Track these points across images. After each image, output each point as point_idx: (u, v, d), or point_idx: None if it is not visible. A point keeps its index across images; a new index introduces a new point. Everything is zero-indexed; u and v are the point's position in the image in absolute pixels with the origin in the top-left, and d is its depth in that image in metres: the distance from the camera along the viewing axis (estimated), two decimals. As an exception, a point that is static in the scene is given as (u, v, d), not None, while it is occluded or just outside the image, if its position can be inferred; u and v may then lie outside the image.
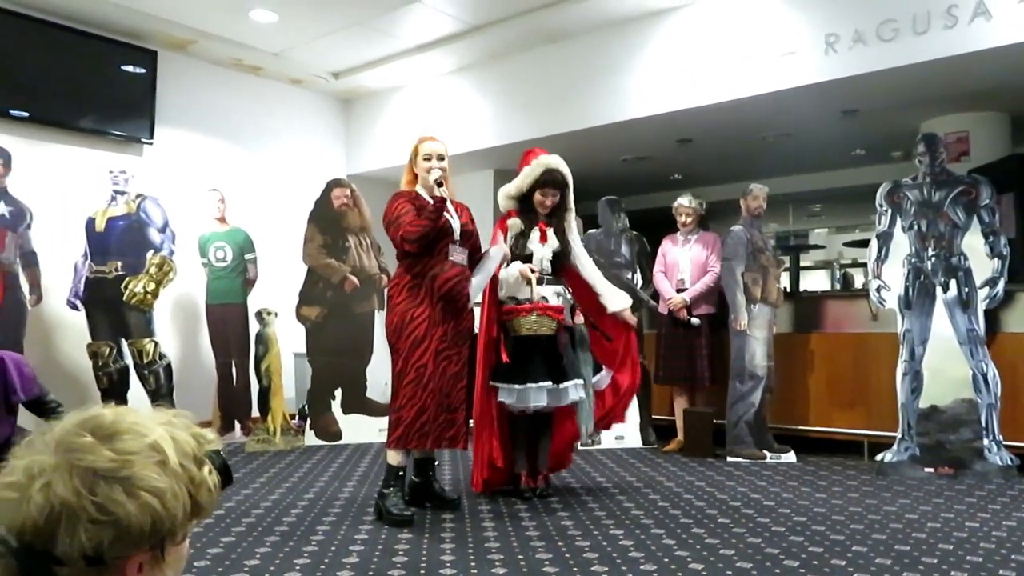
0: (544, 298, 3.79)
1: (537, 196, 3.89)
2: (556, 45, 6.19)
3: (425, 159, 3.56)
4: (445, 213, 3.47)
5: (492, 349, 3.84)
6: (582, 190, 4.97)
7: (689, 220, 5.35)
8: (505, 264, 3.83)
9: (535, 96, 6.32)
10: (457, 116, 6.80)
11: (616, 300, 4.00)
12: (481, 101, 6.70)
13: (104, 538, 0.81)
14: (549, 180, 3.87)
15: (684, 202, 5.37)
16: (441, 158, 3.57)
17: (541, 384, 3.68)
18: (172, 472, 0.86)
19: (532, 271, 3.77)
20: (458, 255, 3.57)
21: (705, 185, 7.97)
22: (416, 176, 3.63)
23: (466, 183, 6.55)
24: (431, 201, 3.50)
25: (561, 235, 3.91)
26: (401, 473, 3.49)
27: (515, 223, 3.92)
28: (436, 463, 3.79)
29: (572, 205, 4.01)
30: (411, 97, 7.21)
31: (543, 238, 3.86)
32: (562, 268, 3.97)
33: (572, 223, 4.01)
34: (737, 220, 5.19)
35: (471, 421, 3.96)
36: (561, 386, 3.72)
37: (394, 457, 3.48)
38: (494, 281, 3.88)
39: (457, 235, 3.58)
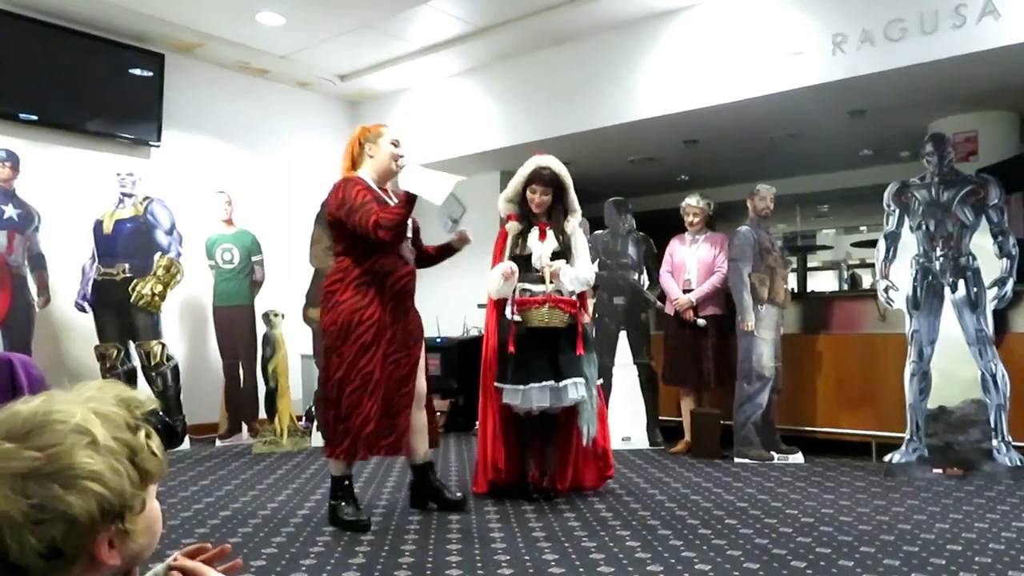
0: (559, 291, 3.77)
1: (527, 194, 3.89)
2: (563, 46, 6.19)
3: (394, 144, 3.36)
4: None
5: (496, 353, 3.83)
6: (589, 191, 4.98)
7: (697, 220, 5.33)
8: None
9: (542, 97, 6.32)
10: (464, 118, 6.81)
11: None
12: (488, 103, 6.71)
13: (54, 534, 0.80)
14: (537, 177, 3.86)
15: (692, 202, 5.34)
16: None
17: (543, 384, 3.67)
18: (106, 449, 0.83)
19: (512, 271, 3.69)
20: (408, 252, 3.44)
21: (712, 186, 7.94)
22: (355, 163, 3.40)
23: (472, 185, 6.54)
24: (379, 191, 3.34)
25: (563, 236, 3.88)
26: (347, 483, 3.33)
27: (513, 226, 3.91)
28: (434, 464, 3.75)
29: (576, 207, 3.96)
30: (418, 99, 7.22)
31: (542, 236, 3.84)
32: None
33: (575, 227, 3.93)
34: (744, 221, 5.18)
35: (476, 423, 3.96)
36: (560, 384, 3.69)
37: (337, 468, 3.31)
38: None
39: (410, 232, 3.44)
